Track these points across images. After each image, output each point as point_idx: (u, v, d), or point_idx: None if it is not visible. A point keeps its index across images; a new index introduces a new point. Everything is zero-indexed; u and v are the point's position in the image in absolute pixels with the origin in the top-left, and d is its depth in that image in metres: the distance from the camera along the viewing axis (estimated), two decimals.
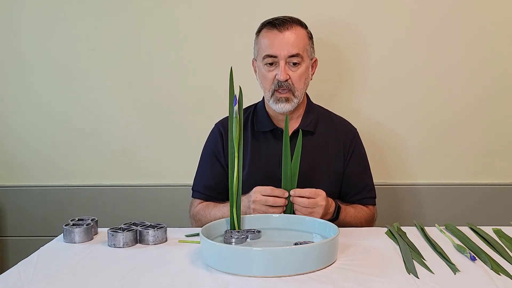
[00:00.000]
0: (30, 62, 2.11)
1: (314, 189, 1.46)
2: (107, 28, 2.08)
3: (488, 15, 2.03)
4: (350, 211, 1.60)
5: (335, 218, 1.53)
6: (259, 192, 1.45)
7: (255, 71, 1.68)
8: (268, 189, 1.45)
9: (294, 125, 1.65)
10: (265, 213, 1.44)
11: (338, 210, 1.54)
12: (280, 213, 1.45)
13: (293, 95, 1.59)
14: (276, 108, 1.60)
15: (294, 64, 1.57)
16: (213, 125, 1.76)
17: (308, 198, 1.44)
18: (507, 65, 2.05)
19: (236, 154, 1.39)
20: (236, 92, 1.40)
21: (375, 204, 1.72)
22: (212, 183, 1.68)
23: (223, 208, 1.58)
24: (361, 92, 2.08)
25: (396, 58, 2.06)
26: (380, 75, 2.07)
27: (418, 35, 2.04)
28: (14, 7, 2.08)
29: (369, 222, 1.67)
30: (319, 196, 1.45)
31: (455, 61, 2.05)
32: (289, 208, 1.47)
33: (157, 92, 2.10)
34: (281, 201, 1.45)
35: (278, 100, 1.59)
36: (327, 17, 2.04)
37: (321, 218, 1.46)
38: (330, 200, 1.51)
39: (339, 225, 1.53)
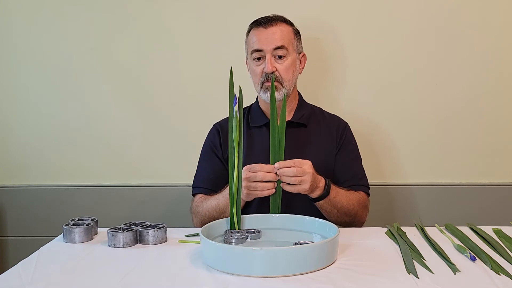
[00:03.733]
0: (30, 62, 2.11)
1: (298, 159, 1.45)
2: (107, 29, 2.08)
3: (488, 16, 2.03)
4: (340, 191, 1.58)
5: (325, 194, 1.52)
6: (248, 169, 1.45)
7: (248, 70, 1.72)
8: (257, 166, 1.45)
9: (286, 118, 1.64)
10: (255, 188, 1.44)
11: (328, 185, 1.52)
12: (272, 189, 1.44)
13: (282, 85, 1.63)
14: (266, 98, 1.64)
15: (280, 57, 1.63)
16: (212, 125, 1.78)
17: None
18: (506, 65, 2.05)
19: (236, 154, 1.39)
20: (236, 92, 1.40)
21: (368, 193, 1.70)
22: (211, 177, 1.69)
23: (218, 196, 1.60)
24: (360, 92, 2.08)
25: (394, 58, 2.05)
26: (379, 76, 2.07)
27: (416, 36, 2.04)
28: (13, 8, 2.08)
29: (362, 207, 1.64)
30: (304, 164, 1.44)
31: (454, 61, 2.05)
32: (279, 185, 1.45)
33: (157, 92, 2.10)
34: (270, 176, 1.44)
35: (267, 88, 1.63)
36: (325, 18, 2.04)
37: (312, 192, 1.47)
38: (319, 176, 1.50)
39: (332, 205, 1.53)
